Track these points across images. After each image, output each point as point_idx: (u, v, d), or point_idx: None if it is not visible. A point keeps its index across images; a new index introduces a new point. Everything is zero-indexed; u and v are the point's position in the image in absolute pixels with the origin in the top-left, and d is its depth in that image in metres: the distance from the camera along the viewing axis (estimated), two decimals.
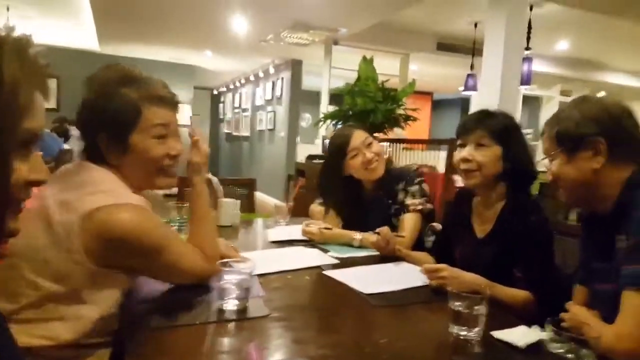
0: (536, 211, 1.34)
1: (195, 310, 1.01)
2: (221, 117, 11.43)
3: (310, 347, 0.89)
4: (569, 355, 0.84)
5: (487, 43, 3.57)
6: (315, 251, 1.58)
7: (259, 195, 7.81)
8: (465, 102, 11.65)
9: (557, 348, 0.86)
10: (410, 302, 1.15)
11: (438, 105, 12.13)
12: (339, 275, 1.29)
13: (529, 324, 0.98)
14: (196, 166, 1.20)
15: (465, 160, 1.35)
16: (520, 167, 1.36)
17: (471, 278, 1.21)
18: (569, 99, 8.76)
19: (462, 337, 0.94)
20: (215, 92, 11.56)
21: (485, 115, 1.41)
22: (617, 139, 1.00)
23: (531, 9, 4.93)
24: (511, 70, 3.47)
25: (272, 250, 1.59)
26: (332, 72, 6.46)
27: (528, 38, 4.92)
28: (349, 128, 1.89)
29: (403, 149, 4.55)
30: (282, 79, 7.60)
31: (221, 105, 11.45)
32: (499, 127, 1.36)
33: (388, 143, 4.34)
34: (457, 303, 0.96)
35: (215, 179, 1.88)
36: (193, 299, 1.06)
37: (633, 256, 0.86)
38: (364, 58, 4.26)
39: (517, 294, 1.24)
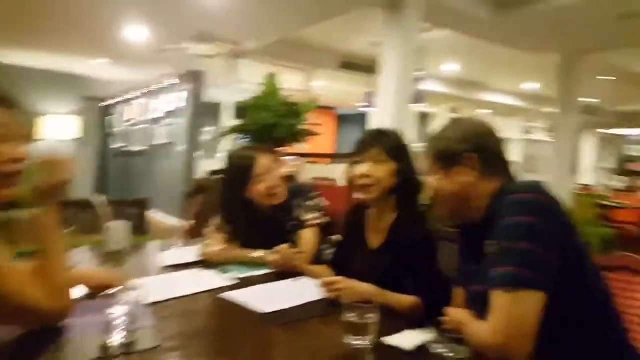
0: (423, 222, 1.43)
1: (75, 348, 0.92)
2: (111, 130, 10.57)
3: None
4: (449, 354, 0.90)
5: (383, 64, 3.79)
6: (212, 273, 1.53)
7: (155, 215, 7.42)
8: (366, 118, 12.21)
9: (439, 348, 0.92)
10: (307, 316, 1.17)
11: (342, 120, 12.56)
12: (236, 296, 1.27)
13: (420, 327, 1.04)
14: (41, 193, 0.98)
15: (364, 175, 1.42)
16: (410, 181, 1.45)
17: (365, 288, 1.26)
18: (457, 116, 9.54)
19: (355, 347, 0.97)
20: (105, 103, 10.69)
21: (380, 133, 1.52)
22: (486, 155, 1.11)
23: (423, 34, 5.34)
24: (405, 90, 3.71)
25: (166, 275, 1.51)
26: (235, 85, 6.41)
27: (420, 60, 5.31)
28: (253, 151, 1.83)
29: (307, 162, 4.64)
30: (183, 90, 7.35)
31: (111, 117, 10.61)
32: (393, 145, 1.47)
33: (295, 157, 4.40)
34: (350, 314, 1.00)
35: (100, 199, 1.75)
36: (72, 335, 0.97)
37: (500, 260, 0.96)
38: (269, 73, 4.29)
39: (405, 301, 1.31)
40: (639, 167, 11.79)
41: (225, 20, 4.93)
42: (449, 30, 5.04)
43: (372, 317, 0.99)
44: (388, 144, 1.46)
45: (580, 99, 6.02)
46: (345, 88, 8.71)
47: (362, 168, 1.43)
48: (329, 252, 1.82)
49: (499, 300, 0.93)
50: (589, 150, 11.78)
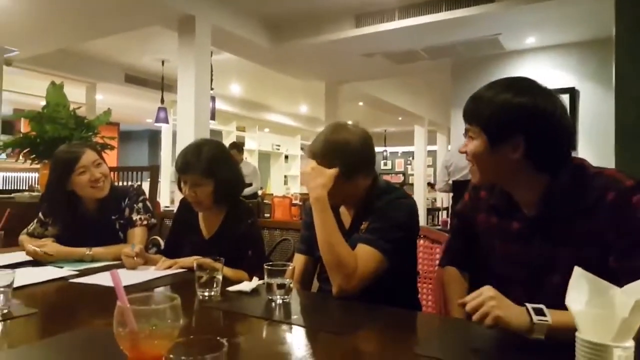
0: (251, 215, 1.77)
1: None
2: None
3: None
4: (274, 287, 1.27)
5: (181, 82, 4.05)
6: (49, 268, 1.59)
7: None
8: (153, 134, 11.94)
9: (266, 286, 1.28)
10: (162, 285, 1.43)
11: (125, 136, 11.98)
12: (89, 280, 1.42)
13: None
14: None
15: (190, 196, 1.69)
16: (231, 188, 1.73)
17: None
18: (244, 134, 10.15)
19: (206, 297, 1.28)
20: None
21: (194, 156, 1.66)
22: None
23: (211, 55, 5.76)
24: (202, 107, 4.05)
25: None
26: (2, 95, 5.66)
27: (211, 80, 5.71)
28: (79, 145, 1.96)
29: None
30: None
31: None
32: (206, 167, 1.65)
33: None
34: (200, 273, 1.30)
35: None
36: None
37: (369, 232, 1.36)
38: (53, 83, 4.05)
39: (237, 273, 1.61)
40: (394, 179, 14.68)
41: None
42: (232, 54, 5.57)
43: (219, 274, 1.31)
44: (201, 167, 1.64)
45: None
46: (130, 103, 8.47)
47: (186, 190, 1.69)
48: (152, 251, 2.03)
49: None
50: None
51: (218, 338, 0.64)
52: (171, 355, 0.63)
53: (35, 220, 2.01)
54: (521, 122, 1.04)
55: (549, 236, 1.08)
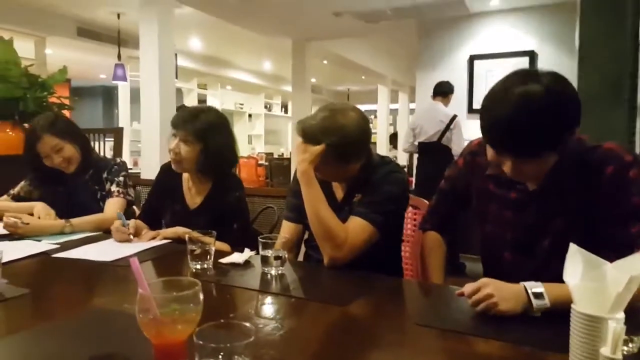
0: (239, 188, 1.74)
1: None
2: None
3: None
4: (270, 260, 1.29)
5: (143, 39, 3.84)
6: (27, 242, 1.54)
7: None
8: (107, 91, 11.37)
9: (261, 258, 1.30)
10: (150, 258, 1.41)
11: (77, 93, 11.34)
12: (73, 254, 1.38)
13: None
14: None
15: (174, 151, 1.63)
16: (219, 157, 1.67)
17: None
18: (205, 92, 9.84)
19: (199, 270, 1.28)
20: None
21: (191, 116, 1.65)
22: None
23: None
24: (167, 65, 3.87)
25: None
26: None
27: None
28: (38, 129, 1.84)
29: None
30: None
31: None
32: (199, 128, 1.63)
33: None
34: (193, 247, 1.30)
35: None
36: None
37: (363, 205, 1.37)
38: (2, 39, 3.73)
39: (227, 247, 1.58)
40: None
41: None
42: (193, 8, 5.26)
43: (211, 247, 1.31)
44: (195, 128, 1.61)
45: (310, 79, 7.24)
46: (83, 58, 7.95)
47: (173, 144, 1.63)
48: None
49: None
50: None
51: (247, 324, 0.66)
52: (200, 342, 0.63)
53: (22, 182, 2.02)
54: (562, 137, 1.01)
55: (545, 206, 1.13)
